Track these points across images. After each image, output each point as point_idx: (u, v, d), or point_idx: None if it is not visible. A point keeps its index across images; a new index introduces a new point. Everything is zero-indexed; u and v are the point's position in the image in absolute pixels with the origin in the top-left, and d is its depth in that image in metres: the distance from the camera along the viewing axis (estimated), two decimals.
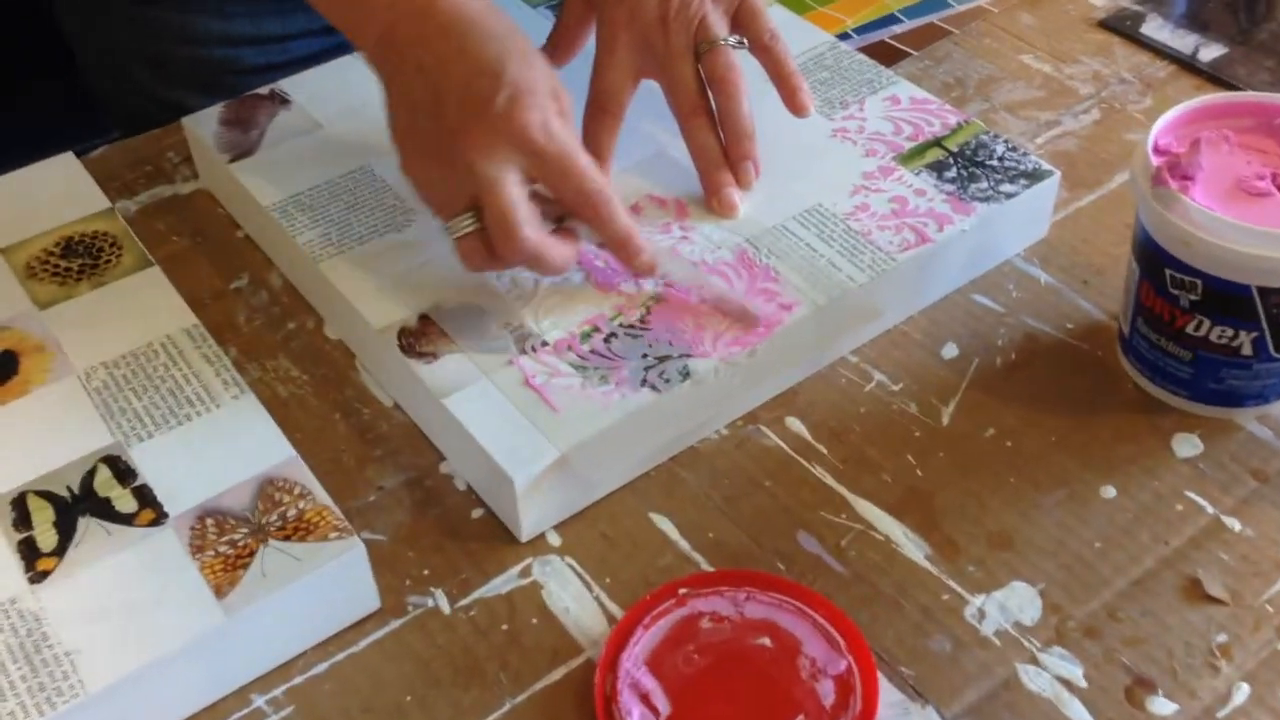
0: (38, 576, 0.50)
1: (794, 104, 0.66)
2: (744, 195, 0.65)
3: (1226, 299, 0.54)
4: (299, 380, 0.62)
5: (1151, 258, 0.56)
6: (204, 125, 0.70)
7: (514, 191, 0.55)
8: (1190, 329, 0.56)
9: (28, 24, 0.95)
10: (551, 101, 0.56)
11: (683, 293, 0.60)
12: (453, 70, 0.55)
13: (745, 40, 0.66)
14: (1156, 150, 0.57)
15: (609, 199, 0.57)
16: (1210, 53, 0.79)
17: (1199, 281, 0.54)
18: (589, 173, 0.57)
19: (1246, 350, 0.55)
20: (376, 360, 0.61)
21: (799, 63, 0.68)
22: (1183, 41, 0.80)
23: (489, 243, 0.57)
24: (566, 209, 0.58)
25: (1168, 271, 0.55)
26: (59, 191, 0.68)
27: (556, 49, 0.69)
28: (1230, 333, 0.55)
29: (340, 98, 0.72)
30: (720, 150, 0.65)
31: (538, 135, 0.55)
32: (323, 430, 0.59)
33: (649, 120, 0.69)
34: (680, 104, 0.65)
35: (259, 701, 0.50)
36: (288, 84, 0.73)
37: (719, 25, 0.65)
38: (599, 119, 0.65)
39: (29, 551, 0.51)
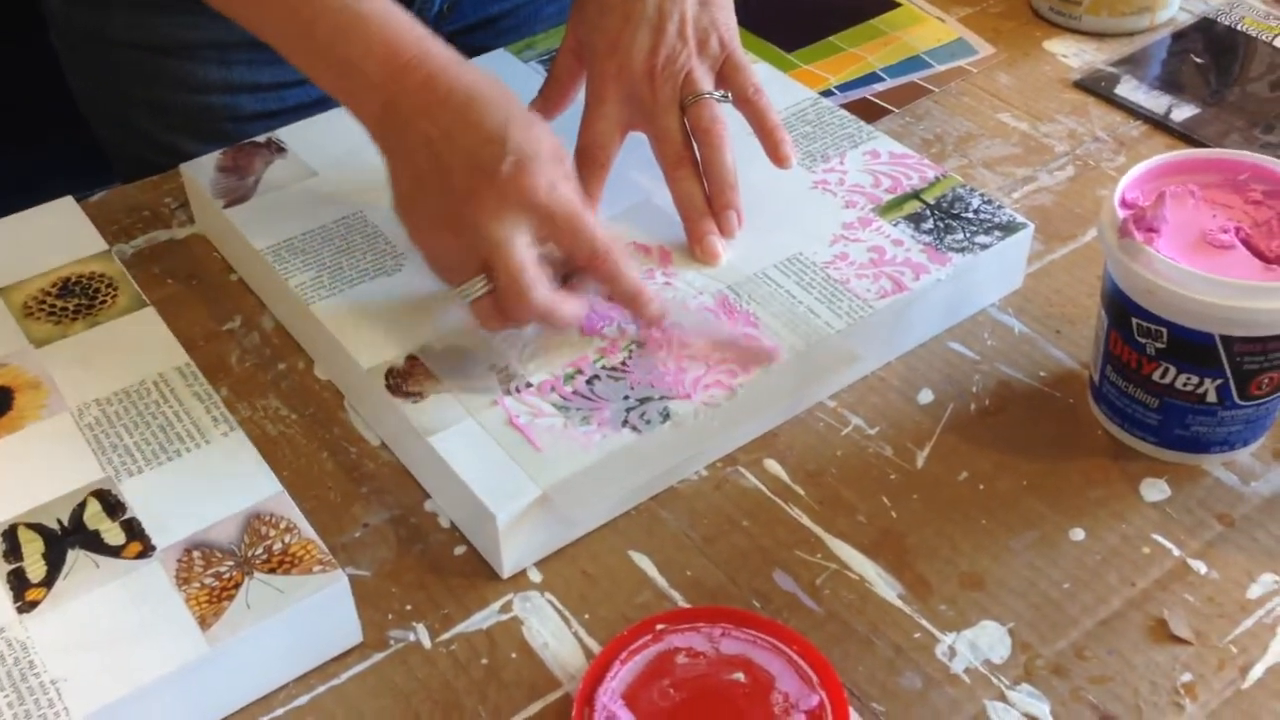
0: (26, 606, 0.51)
1: (777, 155, 0.68)
2: (726, 243, 0.66)
3: (1191, 347, 0.55)
4: (288, 419, 0.63)
5: (1119, 307, 0.57)
6: (201, 172, 0.72)
7: (523, 253, 0.57)
8: (1157, 376, 0.57)
9: (35, 73, 0.97)
10: (555, 165, 0.58)
11: (693, 337, 0.61)
12: (458, 140, 0.57)
13: (729, 94, 0.68)
14: (1124, 204, 0.58)
15: (618, 255, 0.59)
16: (1182, 113, 0.81)
17: (1164, 330, 0.56)
18: (597, 231, 0.58)
19: (1211, 397, 0.57)
20: (364, 400, 0.62)
21: (782, 117, 0.70)
22: (1156, 102, 0.82)
23: (501, 303, 0.58)
24: (577, 267, 0.60)
25: (1134, 320, 0.57)
26: (58, 234, 0.70)
27: (548, 102, 0.71)
28: (1195, 380, 0.56)
29: (334, 146, 0.74)
30: (704, 199, 0.67)
31: (544, 197, 0.57)
32: (310, 468, 0.61)
33: (635, 170, 0.71)
34: (666, 154, 0.67)
35: None
36: (284, 133, 0.75)
37: (704, 79, 0.67)
38: (587, 168, 0.67)
39: (18, 582, 0.52)
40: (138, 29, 0.81)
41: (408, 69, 0.58)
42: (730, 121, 0.67)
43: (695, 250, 0.66)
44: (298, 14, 0.59)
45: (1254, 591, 0.54)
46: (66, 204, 0.72)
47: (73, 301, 0.66)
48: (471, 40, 0.87)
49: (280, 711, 0.52)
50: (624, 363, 0.60)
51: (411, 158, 0.59)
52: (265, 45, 0.62)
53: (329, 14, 0.59)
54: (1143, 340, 0.57)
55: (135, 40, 0.81)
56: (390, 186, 0.61)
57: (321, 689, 0.52)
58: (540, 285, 0.58)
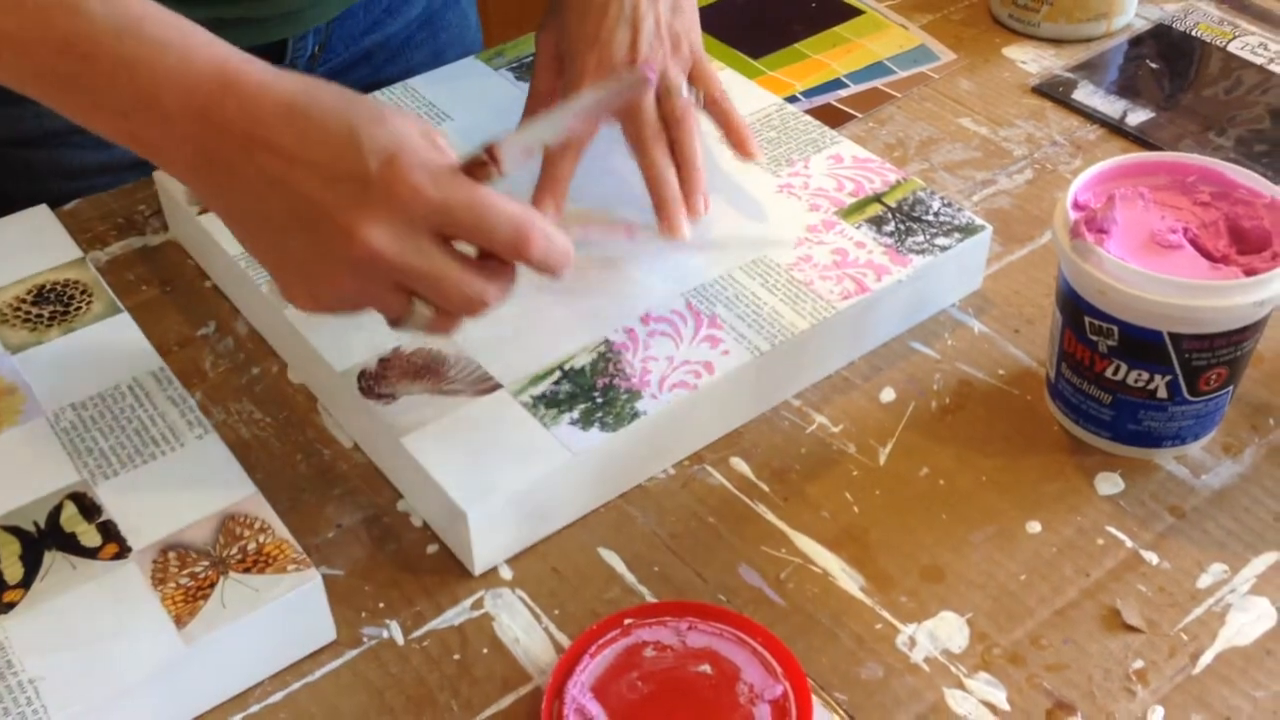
0: (3, 608, 0.52)
1: (744, 150, 0.69)
2: (693, 224, 0.66)
3: (1141, 344, 0.57)
4: (262, 423, 0.64)
5: (1072, 306, 0.59)
6: (174, 180, 0.73)
7: (439, 263, 0.50)
8: (1109, 373, 0.59)
9: None
10: (430, 149, 0.49)
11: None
12: (303, 163, 0.47)
13: (700, 95, 0.70)
14: (1076, 206, 0.60)
15: (532, 224, 0.50)
16: (1138, 117, 0.83)
17: (1115, 328, 0.57)
18: (509, 209, 0.50)
19: (1162, 393, 0.58)
20: (337, 403, 0.63)
21: (748, 122, 0.71)
22: (1112, 107, 0.84)
23: (452, 316, 0.53)
24: (495, 255, 0.52)
25: (1087, 319, 0.58)
26: (33, 242, 0.70)
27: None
28: (1146, 376, 0.58)
29: None
30: (674, 176, 0.67)
31: (432, 193, 0.48)
32: (284, 470, 0.62)
33: (608, 160, 0.71)
34: (640, 134, 0.66)
35: None
36: None
37: (679, 79, 0.69)
38: (560, 153, 0.68)
39: None
40: None
41: (215, 101, 0.48)
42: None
43: (662, 225, 0.66)
44: (70, 51, 0.48)
45: (1204, 581, 0.56)
46: (40, 212, 0.73)
47: (48, 308, 0.66)
48: (349, 78, 0.82)
49: (255, 708, 0.53)
50: (593, 363, 0.62)
51: (259, 206, 0.49)
52: None
53: (105, 54, 0.48)
54: (1095, 338, 0.58)
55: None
56: (251, 254, 0.52)
57: (296, 686, 0.53)
58: (475, 280, 0.50)
